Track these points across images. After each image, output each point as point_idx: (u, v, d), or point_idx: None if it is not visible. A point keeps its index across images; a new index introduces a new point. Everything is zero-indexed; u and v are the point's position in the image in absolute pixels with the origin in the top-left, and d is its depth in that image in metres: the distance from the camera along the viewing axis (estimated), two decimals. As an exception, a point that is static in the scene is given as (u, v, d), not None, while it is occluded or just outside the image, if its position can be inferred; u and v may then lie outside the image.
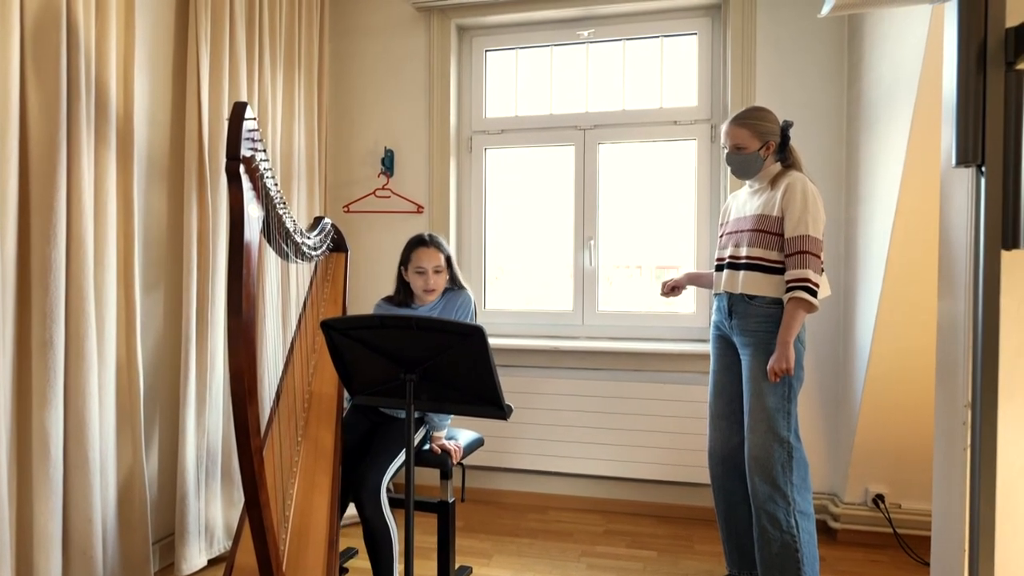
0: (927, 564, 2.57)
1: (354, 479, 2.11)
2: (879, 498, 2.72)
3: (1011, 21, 1.02)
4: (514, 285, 3.39)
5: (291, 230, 1.88)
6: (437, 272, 2.26)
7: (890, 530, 2.72)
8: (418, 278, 2.27)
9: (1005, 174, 1.01)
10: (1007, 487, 1.06)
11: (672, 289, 2.44)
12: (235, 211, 1.52)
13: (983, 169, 1.03)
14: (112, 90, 2.06)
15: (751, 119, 2.15)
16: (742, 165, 2.18)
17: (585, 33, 3.22)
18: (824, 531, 2.84)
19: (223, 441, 2.51)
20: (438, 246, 2.27)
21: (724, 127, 2.21)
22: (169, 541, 2.44)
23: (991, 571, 1.05)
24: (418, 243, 2.28)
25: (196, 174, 2.37)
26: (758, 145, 2.15)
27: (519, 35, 3.29)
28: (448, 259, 2.30)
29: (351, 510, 2.94)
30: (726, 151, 2.21)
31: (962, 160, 1.04)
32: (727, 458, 2.28)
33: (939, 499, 1.17)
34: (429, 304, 2.30)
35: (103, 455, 2.04)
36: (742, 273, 2.16)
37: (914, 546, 2.69)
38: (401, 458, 2.15)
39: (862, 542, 2.76)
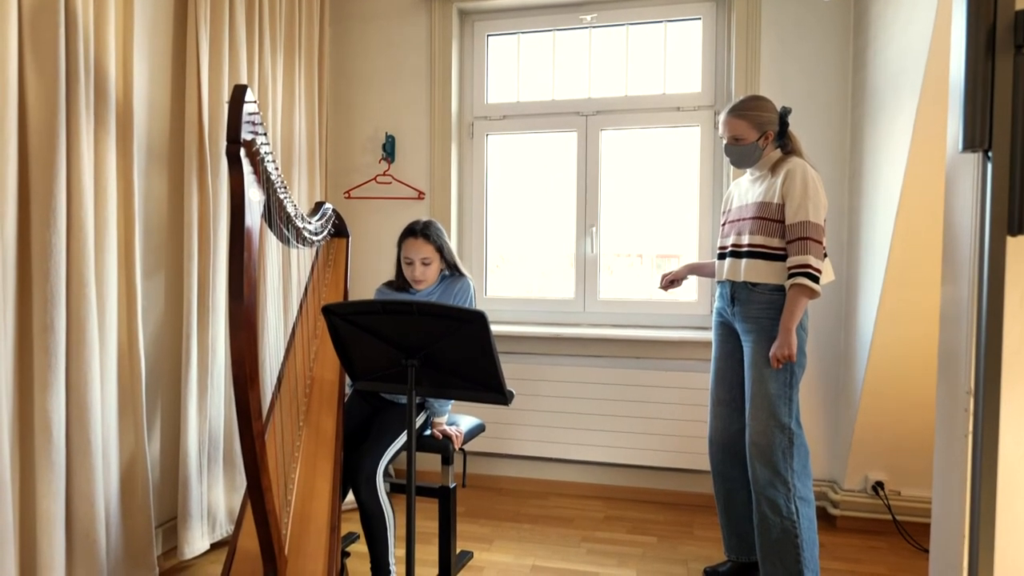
0: (926, 551, 2.59)
1: (352, 463, 2.11)
2: (879, 485, 2.73)
3: (1021, 4, 1.00)
4: (515, 272, 3.38)
5: (292, 215, 1.87)
6: (425, 264, 2.24)
7: (889, 517, 2.73)
8: (407, 268, 2.26)
9: (1012, 159, 1.00)
10: (1008, 474, 1.06)
11: (671, 282, 2.44)
12: (235, 195, 1.51)
13: (990, 154, 1.02)
14: (111, 74, 2.04)
15: (749, 110, 2.14)
16: (740, 156, 2.18)
17: (588, 17, 3.19)
18: (824, 518, 2.86)
19: (225, 426, 2.52)
20: (427, 237, 2.24)
21: (721, 117, 2.19)
22: (172, 525, 2.45)
23: (991, 559, 1.05)
24: (408, 234, 2.25)
25: (196, 159, 2.36)
26: (756, 136, 2.14)
27: (521, 19, 3.26)
28: (440, 249, 2.27)
29: (351, 495, 2.96)
30: (724, 142, 2.20)
31: (969, 145, 1.03)
32: (727, 445, 2.28)
33: (939, 486, 1.17)
34: (427, 289, 2.30)
35: (105, 439, 2.04)
36: (744, 261, 2.15)
37: (913, 533, 2.70)
38: (399, 443, 2.15)
39: (861, 529, 2.78)
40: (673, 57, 3.13)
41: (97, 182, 2.02)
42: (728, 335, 2.29)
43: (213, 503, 2.47)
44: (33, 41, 1.81)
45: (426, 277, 2.25)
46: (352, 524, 2.82)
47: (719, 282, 2.29)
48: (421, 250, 2.23)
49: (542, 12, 3.23)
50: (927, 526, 2.69)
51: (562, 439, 3.09)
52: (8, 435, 1.75)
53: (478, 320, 1.60)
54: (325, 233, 2.24)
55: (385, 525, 2.06)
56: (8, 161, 1.74)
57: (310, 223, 2.06)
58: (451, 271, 2.33)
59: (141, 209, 2.28)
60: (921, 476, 2.71)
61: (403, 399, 2.30)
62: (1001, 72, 1.00)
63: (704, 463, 2.93)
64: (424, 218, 2.31)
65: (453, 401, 2.43)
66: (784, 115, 2.16)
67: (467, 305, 2.29)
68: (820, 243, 2.04)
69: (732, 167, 2.88)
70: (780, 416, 2.09)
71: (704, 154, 3.09)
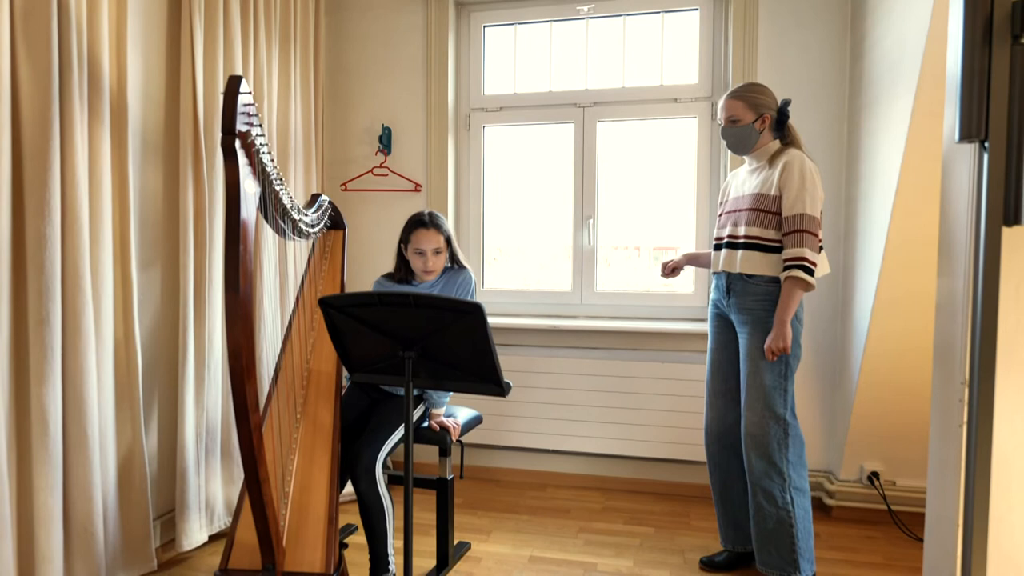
0: (921, 540, 2.60)
1: (351, 455, 2.12)
2: (874, 475, 2.74)
3: (1018, -6, 1.00)
4: (513, 264, 3.38)
5: (288, 206, 1.86)
6: (437, 254, 2.25)
7: (884, 507, 2.75)
8: (417, 259, 2.26)
9: (1008, 150, 1.00)
10: (1002, 464, 1.06)
11: (672, 270, 2.44)
12: (231, 186, 1.50)
13: (986, 145, 1.02)
14: (104, 65, 2.03)
15: (747, 91, 2.15)
16: (737, 138, 2.17)
17: (585, 8, 3.18)
18: (819, 508, 2.87)
19: (222, 418, 2.52)
20: (438, 227, 2.26)
21: (720, 102, 2.20)
22: (170, 517, 2.45)
23: (984, 548, 1.06)
24: (418, 224, 2.26)
25: (192, 150, 2.35)
26: (753, 117, 2.13)
27: (518, 10, 3.24)
28: (448, 239, 2.28)
29: (350, 486, 2.96)
30: (721, 125, 2.20)
31: (965, 135, 1.02)
32: (723, 436, 2.29)
33: (934, 476, 1.18)
34: (429, 282, 2.30)
35: (102, 432, 2.04)
36: (740, 252, 2.15)
37: (908, 523, 2.72)
38: (397, 434, 2.16)
39: (857, 519, 2.79)
40: (670, 48, 3.12)
41: (91, 174, 2.01)
42: (724, 326, 2.29)
43: (211, 495, 2.48)
44: (26, 32, 1.80)
45: (436, 267, 2.27)
46: (351, 516, 2.82)
47: (715, 273, 2.29)
48: (432, 240, 2.24)
49: (539, 3, 3.21)
50: (922, 516, 2.71)
51: (559, 431, 3.09)
52: (4, 429, 1.75)
53: (475, 312, 1.60)
54: (321, 225, 2.23)
55: (384, 517, 2.07)
56: (1, 153, 1.73)
57: (306, 215, 2.06)
58: (452, 263, 2.34)
59: (136, 201, 2.27)
60: (916, 466, 2.72)
61: (402, 390, 2.30)
62: (998, 62, 1.00)
63: (701, 454, 2.94)
64: (426, 209, 2.31)
65: (451, 393, 2.43)
66: (784, 107, 2.16)
67: (468, 298, 2.29)
68: (816, 236, 2.04)
69: (730, 158, 2.88)
70: (775, 407, 2.09)
71: (701, 146, 3.08)
